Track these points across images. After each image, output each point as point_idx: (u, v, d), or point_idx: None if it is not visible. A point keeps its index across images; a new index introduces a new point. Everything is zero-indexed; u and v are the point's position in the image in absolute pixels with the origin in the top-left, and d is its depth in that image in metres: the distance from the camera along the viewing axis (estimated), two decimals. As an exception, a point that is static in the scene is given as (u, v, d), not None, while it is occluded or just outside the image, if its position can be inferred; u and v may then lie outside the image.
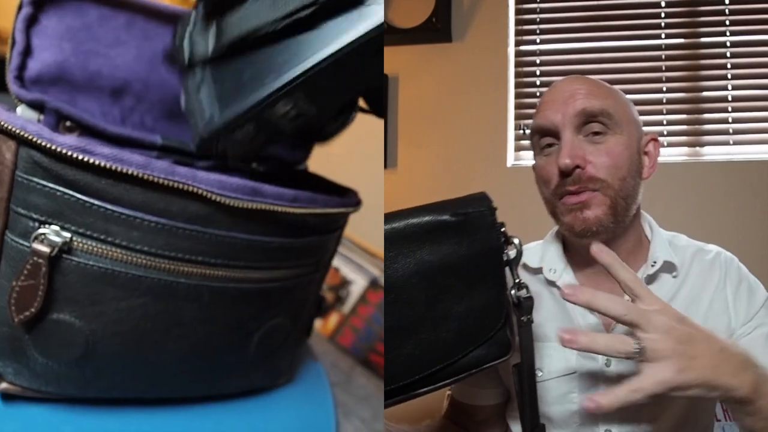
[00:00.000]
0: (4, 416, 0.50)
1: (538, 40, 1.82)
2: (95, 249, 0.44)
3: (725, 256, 0.75)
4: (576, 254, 0.72)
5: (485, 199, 0.50)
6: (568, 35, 1.81)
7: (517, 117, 1.80)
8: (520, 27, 1.82)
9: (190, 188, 0.44)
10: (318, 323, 1.83)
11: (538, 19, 1.82)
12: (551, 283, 0.70)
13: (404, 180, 1.83)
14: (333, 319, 1.88)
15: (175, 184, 0.44)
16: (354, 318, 1.84)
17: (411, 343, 0.48)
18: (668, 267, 0.70)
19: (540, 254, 0.74)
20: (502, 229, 0.50)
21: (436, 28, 1.78)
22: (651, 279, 0.69)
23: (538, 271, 0.72)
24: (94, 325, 0.45)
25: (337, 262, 1.93)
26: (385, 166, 1.84)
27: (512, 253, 0.51)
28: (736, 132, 1.69)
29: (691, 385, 0.46)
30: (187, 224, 0.46)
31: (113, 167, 0.42)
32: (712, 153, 1.70)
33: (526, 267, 0.73)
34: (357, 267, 1.92)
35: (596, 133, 0.66)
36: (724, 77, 1.70)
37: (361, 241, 2.10)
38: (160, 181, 0.43)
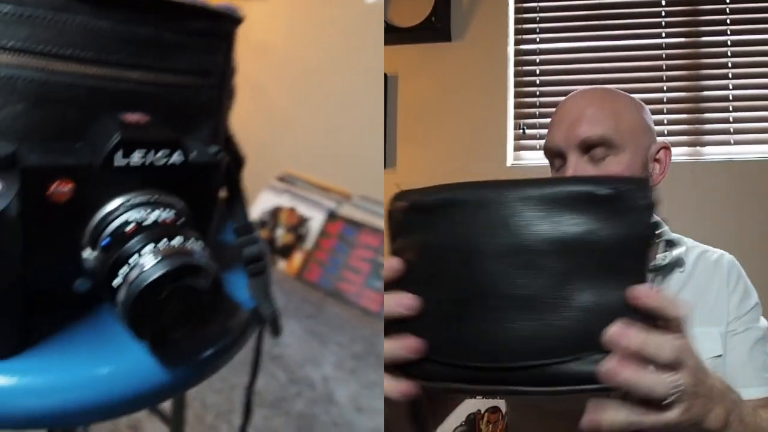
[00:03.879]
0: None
1: (537, 40, 1.81)
2: None
3: (728, 258, 0.79)
4: None
5: (645, 181, 0.42)
6: (568, 34, 1.80)
7: (517, 116, 1.79)
8: (519, 26, 1.82)
9: None
10: (282, 263, 1.85)
11: (537, 18, 1.81)
12: None
13: (404, 180, 1.82)
14: (297, 257, 1.90)
15: None
16: (318, 252, 1.86)
17: (524, 318, 0.40)
18: (676, 262, 0.74)
19: None
20: (657, 223, 0.42)
21: (436, 28, 1.77)
22: (659, 272, 0.73)
23: None
24: None
25: (291, 202, 1.97)
26: (385, 166, 1.83)
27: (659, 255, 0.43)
28: (736, 132, 1.68)
29: (683, 423, 0.41)
30: (48, 11, 0.45)
31: None
32: (713, 153, 1.69)
33: None
34: (313, 204, 1.95)
35: (598, 158, 0.70)
36: (725, 77, 1.70)
37: (312, 178, 2.10)
38: None
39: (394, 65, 1.84)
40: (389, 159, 1.83)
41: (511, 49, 1.82)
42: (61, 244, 0.44)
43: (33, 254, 0.43)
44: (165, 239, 0.42)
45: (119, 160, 0.44)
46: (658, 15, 1.74)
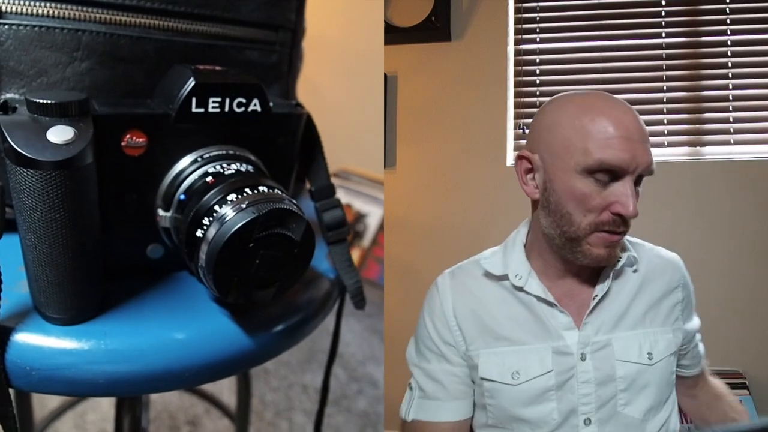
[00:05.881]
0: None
1: (537, 39, 1.81)
2: (24, 8, 0.42)
3: (674, 255, 0.79)
4: (550, 263, 0.72)
5: None
6: (568, 34, 1.80)
7: (517, 116, 1.79)
8: (519, 26, 1.81)
9: None
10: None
11: (537, 18, 1.81)
12: (518, 289, 0.71)
13: (404, 179, 1.82)
14: (354, 254, 1.81)
15: None
16: (376, 248, 1.79)
17: None
18: (629, 261, 0.73)
19: (501, 261, 0.74)
20: None
21: (436, 27, 1.77)
22: (617, 274, 0.72)
23: (503, 278, 0.73)
24: None
25: (347, 198, 1.87)
26: (385, 166, 1.83)
27: None
28: (736, 131, 1.68)
29: None
30: None
31: None
32: (713, 153, 1.69)
33: (489, 275, 0.73)
34: (369, 198, 1.88)
35: (636, 184, 0.66)
36: (725, 76, 1.69)
37: (366, 172, 2.03)
38: None
39: (393, 65, 1.84)
40: (389, 159, 1.83)
41: (511, 48, 1.81)
42: (134, 206, 0.42)
43: (107, 216, 0.41)
44: (247, 189, 0.38)
45: (195, 107, 0.41)
46: (658, 15, 1.74)
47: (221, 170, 0.41)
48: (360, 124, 1.81)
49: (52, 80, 0.44)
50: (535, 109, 1.78)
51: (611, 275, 0.71)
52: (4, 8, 0.42)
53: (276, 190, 0.39)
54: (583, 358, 0.69)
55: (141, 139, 0.40)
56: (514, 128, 1.79)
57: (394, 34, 1.80)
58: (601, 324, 0.69)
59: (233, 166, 0.41)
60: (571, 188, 0.65)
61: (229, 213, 0.36)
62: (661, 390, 0.71)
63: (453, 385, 0.72)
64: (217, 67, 0.44)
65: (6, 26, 0.43)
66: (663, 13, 1.74)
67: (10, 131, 0.34)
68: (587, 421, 0.68)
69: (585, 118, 0.65)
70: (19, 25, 0.43)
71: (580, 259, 0.67)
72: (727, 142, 1.68)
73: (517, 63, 1.81)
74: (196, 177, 0.41)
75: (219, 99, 0.41)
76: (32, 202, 0.35)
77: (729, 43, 1.69)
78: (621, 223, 0.65)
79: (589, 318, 0.69)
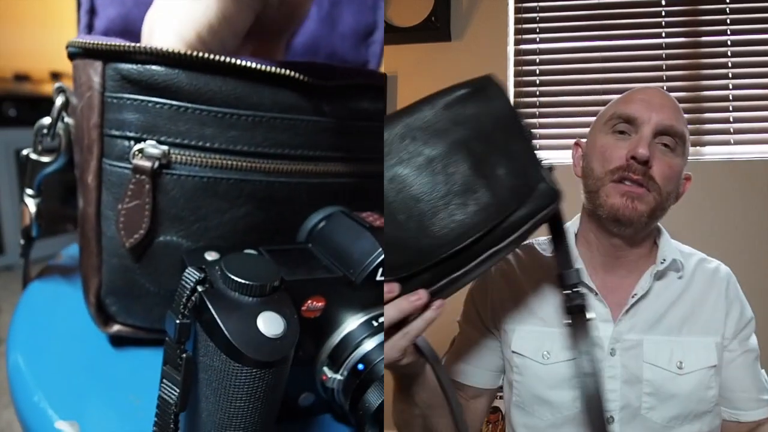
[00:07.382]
0: (115, 361, 0.49)
1: (537, 39, 1.81)
2: (194, 159, 0.44)
3: (726, 269, 0.79)
4: (592, 250, 0.74)
5: (489, 76, 0.53)
6: (568, 34, 1.80)
7: (517, 116, 1.79)
8: (519, 26, 1.81)
9: (284, 72, 0.44)
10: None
11: (537, 18, 1.81)
12: None
13: (403, 180, 1.82)
14: None
15: (269, 69, 0.43)
16: None
17: (465, 207, 0.47)
18: (675, 266, 0.74)
19: (551, 245, 0.77)
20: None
21: (436, 27, 1.77)
22: (660, 275, 0.73)
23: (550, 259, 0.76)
24: (201, 244, 0.45)
25: None
26: (384, 166, 1.83)
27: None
28: (737, 131, 1.68)
29: None
30: (282, 114, 0.45)
31: (209, 57, 0.41)
32: (713, 153, 1.69)
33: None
34: None
35: (665, 146, 0.70)
36: (725, 76, 1.69)
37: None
38: (258, 67, 0.43)
39: (393, 65, 1.84)
40: (389, 159, 1.83)
41: (511, 49, 1.81)
42: (297, 357, 0.41)
43: None
44: None
45: (380, 276, 0.43)
46: (658, 15, 1.74)
47: None
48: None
49: (211, 225, 0.45)
50: (535, 109, 1.78)
51: (654, 276, 0.72)
52: (173, 159, 0.43)
53: None
54: (612, 354, 0.69)
55: (320, 303, 0.42)
56: (514, 128, 1.79)
57: (394, 34, 1.80)
58: (636, 323, 0.70)
59: None
60: (593, 145, 0.72)
61: None
62: (689, 403, 0.69)
63: (489, 344, 0.75)
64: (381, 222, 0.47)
65: (174, 176, 0.44)
66: (663, 13, 1.74)
67: (224, 320, 0.34)
68: (610, 419, 0.68)
69: (621, 97, 0.74)
70: (187, 175, 0.44)
71: (599, 213, 0.70)
72: (727, 142, 1.68)
73: (517, 63, 1.81)
74: (377, 348, 0.42)
75: None
76: (233, 391, 0.34)
77: (729, 43, 1.69)
78: (637, 170, 0.67)
79: (626, 315, 0.70)
